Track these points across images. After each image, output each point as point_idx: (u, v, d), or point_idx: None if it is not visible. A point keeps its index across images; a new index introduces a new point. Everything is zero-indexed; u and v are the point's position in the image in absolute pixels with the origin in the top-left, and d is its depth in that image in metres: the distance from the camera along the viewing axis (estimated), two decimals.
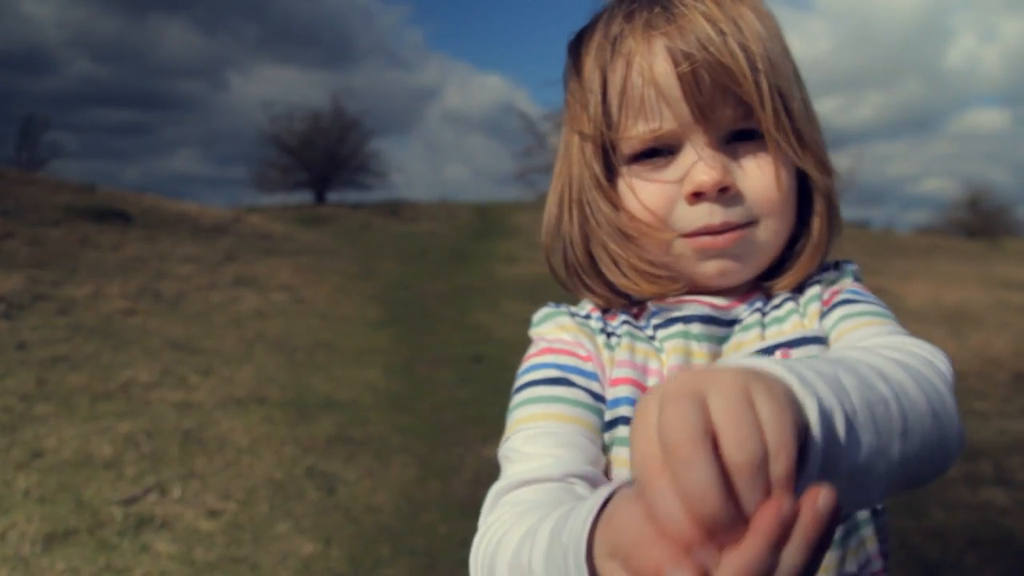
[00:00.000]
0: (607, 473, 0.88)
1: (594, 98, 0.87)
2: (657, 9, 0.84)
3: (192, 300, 8.17)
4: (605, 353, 0.91)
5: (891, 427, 0.61)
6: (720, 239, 0.85)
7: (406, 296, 10.43)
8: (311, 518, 3.76)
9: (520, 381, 0.91)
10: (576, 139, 0.92)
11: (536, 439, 0.84)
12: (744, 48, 0.81)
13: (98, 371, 5.53)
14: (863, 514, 0.89)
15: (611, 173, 0.89)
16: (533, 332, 0.96)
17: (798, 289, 0.92)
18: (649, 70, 0.82)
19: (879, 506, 0.91)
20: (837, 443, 0.54)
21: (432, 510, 3.93)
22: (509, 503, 0.79)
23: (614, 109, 0.86)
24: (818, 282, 0.92)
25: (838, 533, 0.84)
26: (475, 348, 7.78)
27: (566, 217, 0.94)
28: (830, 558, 0.84)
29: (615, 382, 0.90)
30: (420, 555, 3.45)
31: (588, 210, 0.91)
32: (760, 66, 0.82)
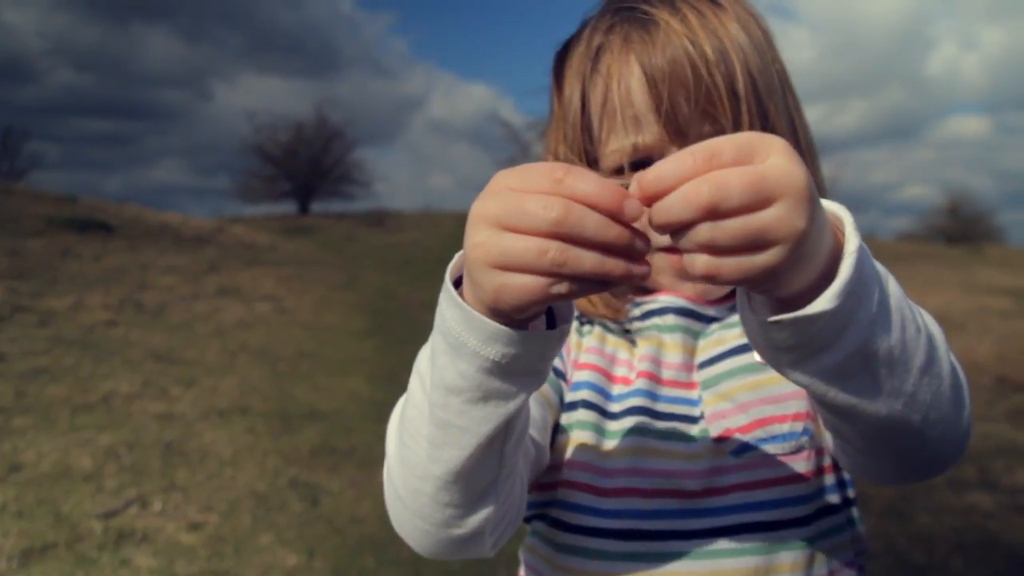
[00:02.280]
0: (563, 453, 0.89)
1: (573, 115, 0.89)
2: (636, 24, 0.85)
3: (174, 311, 8.10)
4: (573, 336, 0.94)
5: (914, 353, 0.63)
6: None
7: (390, 306, 10.39)
8: (294, 530, 3.72)
9: None
10: (550, 158, 0.93)
11: None
12: (723, 67, 0.82)
13: (78, 383, 5.47)
14: (839, 519, 0.88)
15: None
16: None
17: None
18: (626, 88, 0.84)
19: (855, 514, 0.91)
20: (868, 298, 0.59)
21: None
22: None
23: (595, 123, 0.87)
24: None
25: (808, 534, 0.84)
26: None
27: None
28: (796, 557, 0.84)
29: (580, 366, 0.92)
30: (405, 566, 3.42)
31: None
32: (740, 88, 0.82)
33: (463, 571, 3.40)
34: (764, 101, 0.85)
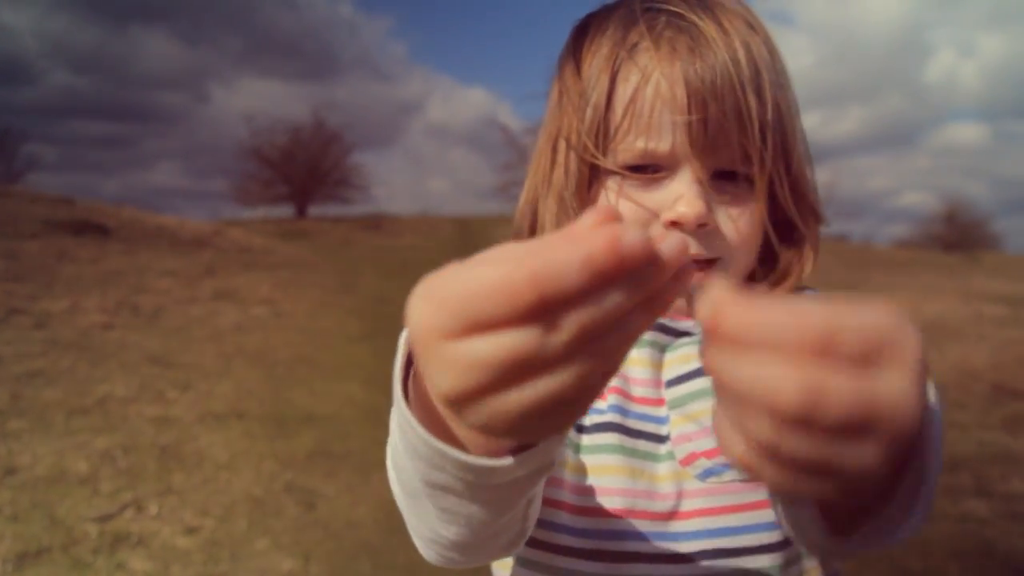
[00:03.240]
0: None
1: (597, 99, 0.84)
2: (684, 33, 0.82)
3: (171, 314, 8.09)
4: None
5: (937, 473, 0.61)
6: None
7: (387, 310, 10.38)
8: (290, 534, 3.72)
9: None
10: (562, 142, 0.89)
11: None
12: (757, 90, 0.81)
13: (74, 386, 5.46)
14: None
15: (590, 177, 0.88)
16: None
17: None
18: (668, 92, 0.80)
19: None
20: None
21: None
22: None
23: (615, 116, 0.83)
24: None
25: (776, 560, 0.83)
26: None
27: (541, 218, 0.92)
28: None
29: None
30: (401, 571, 3.42)
31: (562, 215, 0.89)
32: (768, 113, 0.81)
33: None
34: (786, 126, 0.84)
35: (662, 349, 0.89)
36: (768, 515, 0.83)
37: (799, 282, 0.91)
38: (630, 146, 0.82)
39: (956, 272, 19.19)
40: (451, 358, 0.38)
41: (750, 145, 0.80)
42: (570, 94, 0.88)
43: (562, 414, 0.40)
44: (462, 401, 0.39)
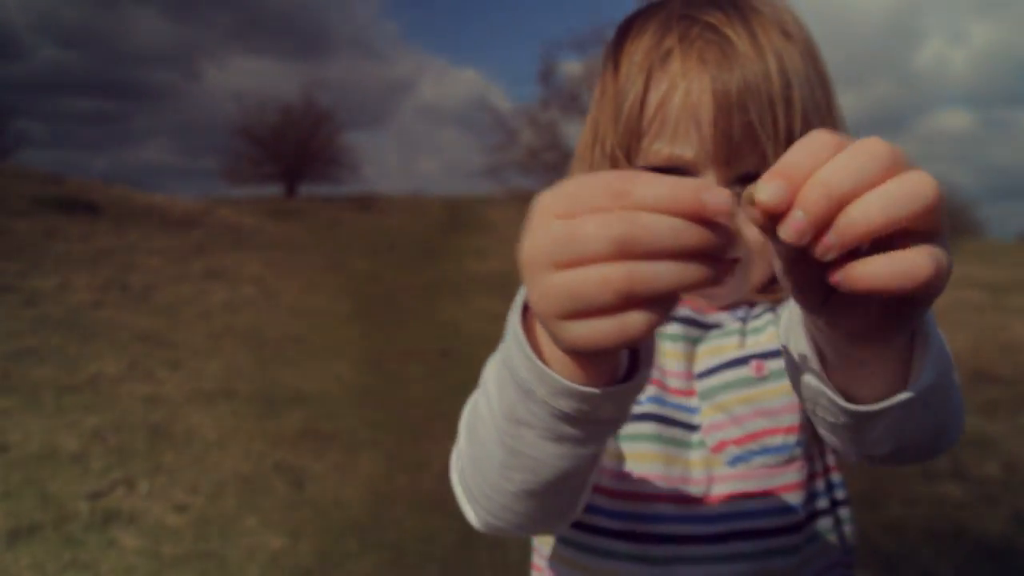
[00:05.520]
0: None
1: (632, 101, 0.86)
2: (713, 45, 0.83)
3: (161, 293, 8.10)
4: None
5: (952, 368, 0.64)
6: None
7: (376, 290, 10.41)
8: (279, 512, 3.77)
9: None
10: (598, 144, 0.91)
11: None
12: (786, 105, 0.82)
13: (64, 364, 5.49)
14: (827, 522, 0.92)
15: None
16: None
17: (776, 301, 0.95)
18: (694, 101, 0.82)
19: (843, 515, 0.94)
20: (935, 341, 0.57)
21: (400, 504, 3.95)
22: None
23: (644, 120, 0.85)
24: None
25: (794, 541, 0.87)
26: (444, 343, 7.80)
27: None
28: (788, 561, 0.87)
29: None
30: (388, 549, 3.48)
31: None
32: (796, 127, 0.82)
33: (450, 555, 3.46)
34: None
35: (695, 342, 0.92)
36: (790, 499, 0.88)
37: None
38: (657, 151, 0.85)
39: None
40: (549, 284, 0.46)
41: (772, 150, 0.82)
42: (607, 95, 0.90)
43: (612, 332, 0.45)
44: (550, 320, 0.47)
